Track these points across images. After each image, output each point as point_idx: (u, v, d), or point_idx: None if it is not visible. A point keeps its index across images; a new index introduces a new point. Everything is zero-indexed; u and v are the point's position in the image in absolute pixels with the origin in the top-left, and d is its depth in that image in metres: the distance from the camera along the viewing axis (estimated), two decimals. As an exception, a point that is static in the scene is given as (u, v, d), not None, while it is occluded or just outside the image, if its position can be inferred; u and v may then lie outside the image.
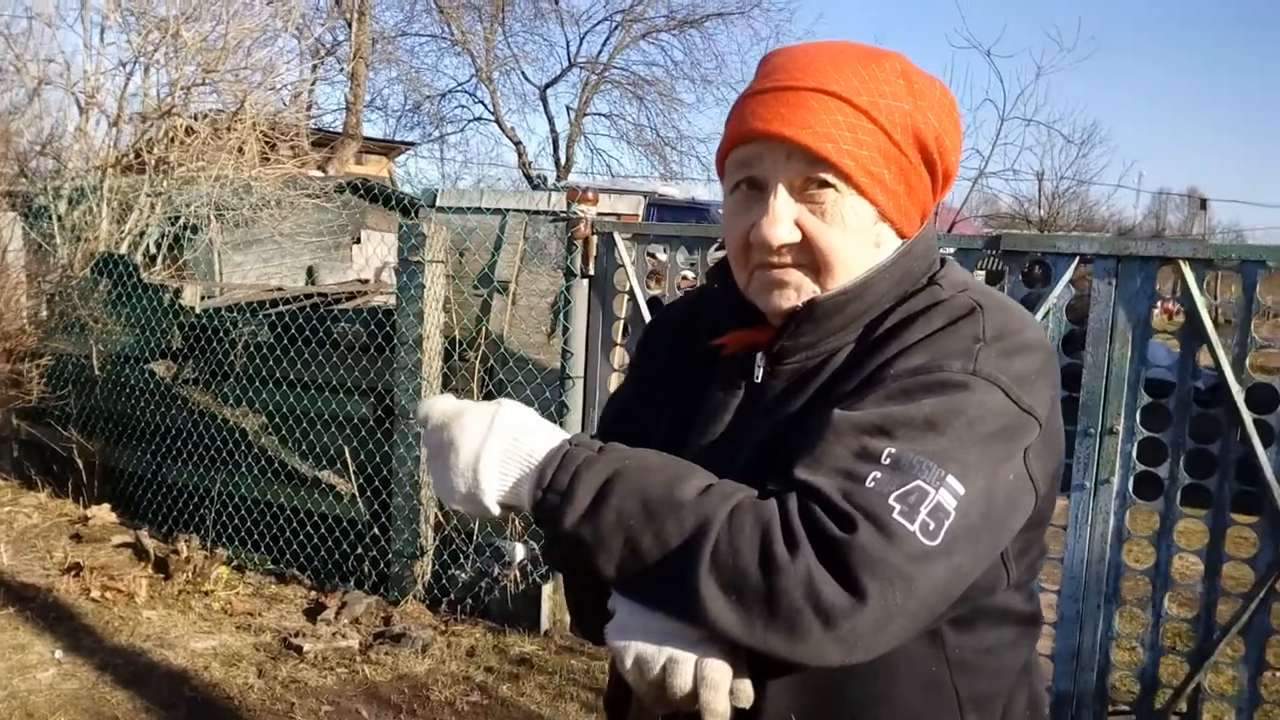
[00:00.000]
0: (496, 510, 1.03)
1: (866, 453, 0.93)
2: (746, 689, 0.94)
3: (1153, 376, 3.39)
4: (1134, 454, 3.33)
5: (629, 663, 0.95)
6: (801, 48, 1.11)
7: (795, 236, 1.05)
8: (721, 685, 0.92)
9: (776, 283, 1.08)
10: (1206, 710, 3.37)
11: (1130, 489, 3.34)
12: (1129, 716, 3.43)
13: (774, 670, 0.94)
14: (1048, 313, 3.42)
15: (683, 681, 0.92)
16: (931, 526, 0.89)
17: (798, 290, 1.08)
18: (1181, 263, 3.26)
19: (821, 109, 1.03)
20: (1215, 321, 3.28)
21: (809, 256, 1.07)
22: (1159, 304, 3.57)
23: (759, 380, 1.12)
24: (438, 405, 1.08)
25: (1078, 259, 3.40)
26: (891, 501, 0.89)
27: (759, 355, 1.12)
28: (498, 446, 1.02)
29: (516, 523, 4.36)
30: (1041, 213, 20.55)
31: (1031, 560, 1.11)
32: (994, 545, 0.98)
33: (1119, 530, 3.34)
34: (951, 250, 3.66)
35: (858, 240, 1.06)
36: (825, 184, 1.04)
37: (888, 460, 0.92)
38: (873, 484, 0.91)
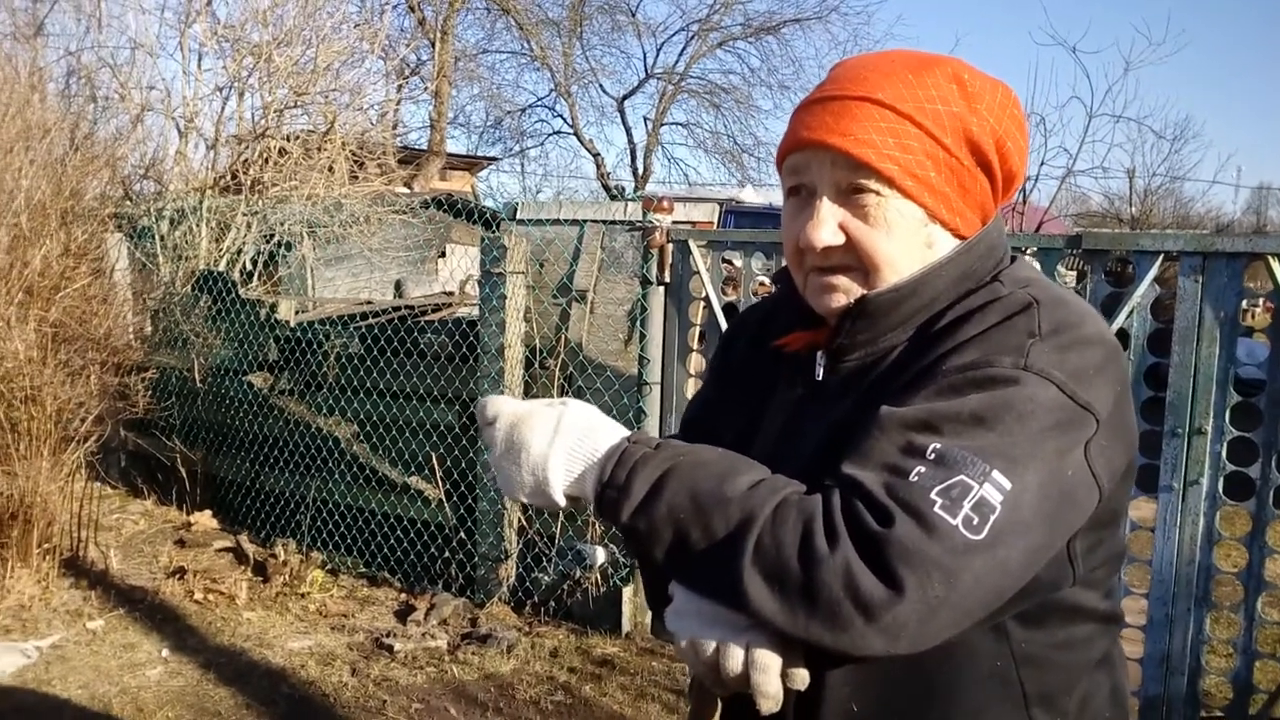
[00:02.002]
0: (563, 502, 1.09)
1: (912, 448, 0.94)
2: (802, 674, 0.97)
3: (1243, 375, 3.31)
4: (1224, 454, 3.25)
5: (684, 645, 1.00)
6: (859, 59, 1.14)
7: (839, 239, 1.08)
8: (771, 669, 0.95)
9: (827, 286, 1.11)
10: (1305, 717, 3.27)
11: (1220, 490, 3.26)
12: (1222, 722, 3.35)
13: (830, 660, 0.96)
14: (1133, 311, 3.36)
15: (734, 664, 0.96)
16: (975, 521, 0.90)
17: (847, 293, 1.11)
18: (1270, 259, 3.18)
19: (864, 116, 1.06)
20: (1309, 318, 3.19)
21: (855, 259, 1.09)
22: (1260, 302, 3.49)
23: (820, 378, 1.16)
24: (505, 406, 1.14)
25: (1163, 256, 3.34)
26: (934, 496, 0.90)
27: (819, 354, 1.16)
28: (564, 446, 1.08)
29: (596, 527, 4.44)
30: (1133, 210, 19.95)
31: (1103, 559, 1.09)
32: (1050, 541, 0.97)
33: (1209, 532, 3.27)
34: (1031, 250, 3.62)
35: (905, 242, 1.08)
36: (867, 188, 1.07)
37: (932, 455, 0.93)
38: (916, 479, 0.92)
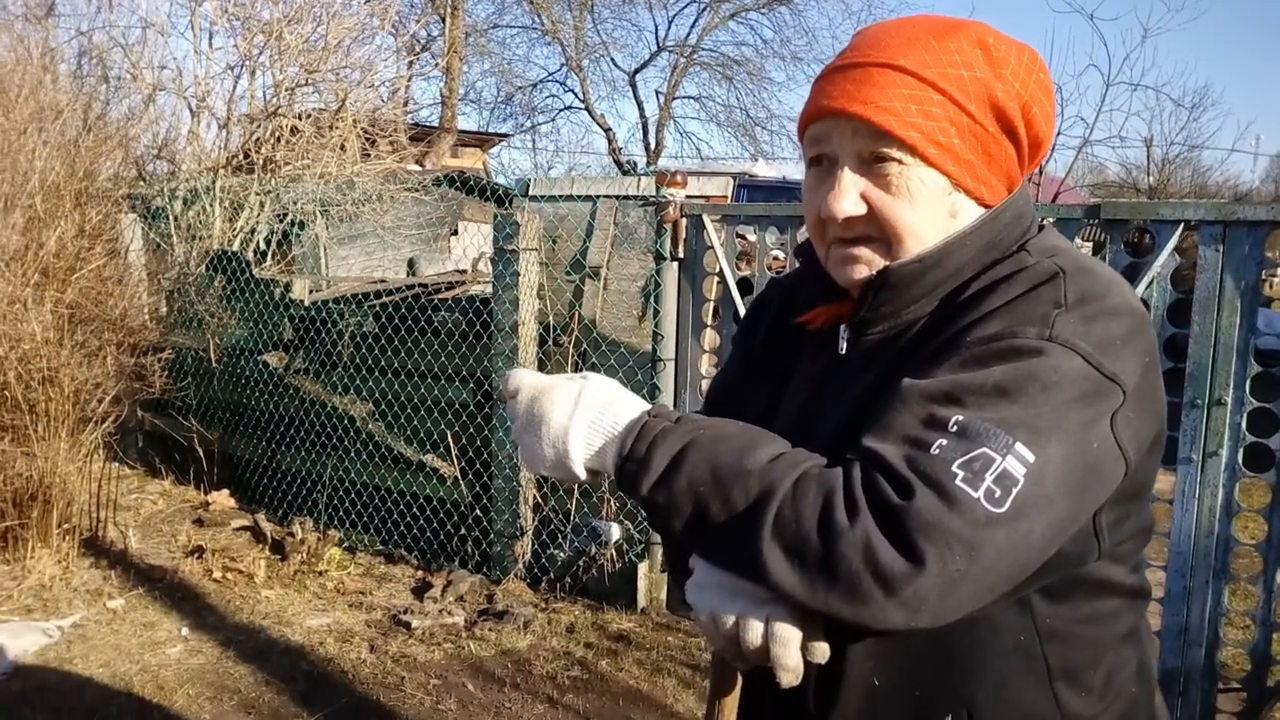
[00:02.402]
0: (584, 475, 1.08)
1: (934, 420, 0.93)
2: (822, 647, 0.96)
3: (1263, 345, 3.27)
4: (1243, 425, 3.22)
5: (704, 618, 0.99)
6: (882, 25, 1.12)
7: (860, 209, 1.07)
8: (791, 642, 0.95)
9: (850, 257, 1.10)
10: (1326, 689, 3.25)
11: (1240, 461, 3.23)
12: (1240, 693, 3.33)
13: (851, 634, 0.95)
14: (1152, 281, 3.32)
15: (754, 637, 0.95)
16: (998, 494, 0.88)
17: (869, 264, 1.09)
18: (1292, 227, 3.14)
19: (886, 84, 1.04)
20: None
21: (878, 229, 1.08)
22: (1279, 272, 3.44)
23: (843, 351, 1.14)
24: (527, 379, 1.13)
25: (1182, 226, 3.30)
26: (955, 469, 0.89)
27: (842, 327, 1.15)
28: (585, 420, 1.07)
29: (612, 503, 4.44)
30: (1151, 180, 19.75)
31: (1130, 533, 1.08)
32: (1075, 514, 0.95)
33: (1228, 504, 3.24)
34: (1050, 220, 3.58)
35: (928, 211, 1.06)
36: (889, 157, 1.05)
37: (954, 428, 0.92)
38: (937, 451, 0.91)
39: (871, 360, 1.11)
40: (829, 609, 0.90)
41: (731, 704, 1.11)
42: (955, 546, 0.87)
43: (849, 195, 1.06)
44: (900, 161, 1.05)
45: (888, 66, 1.05)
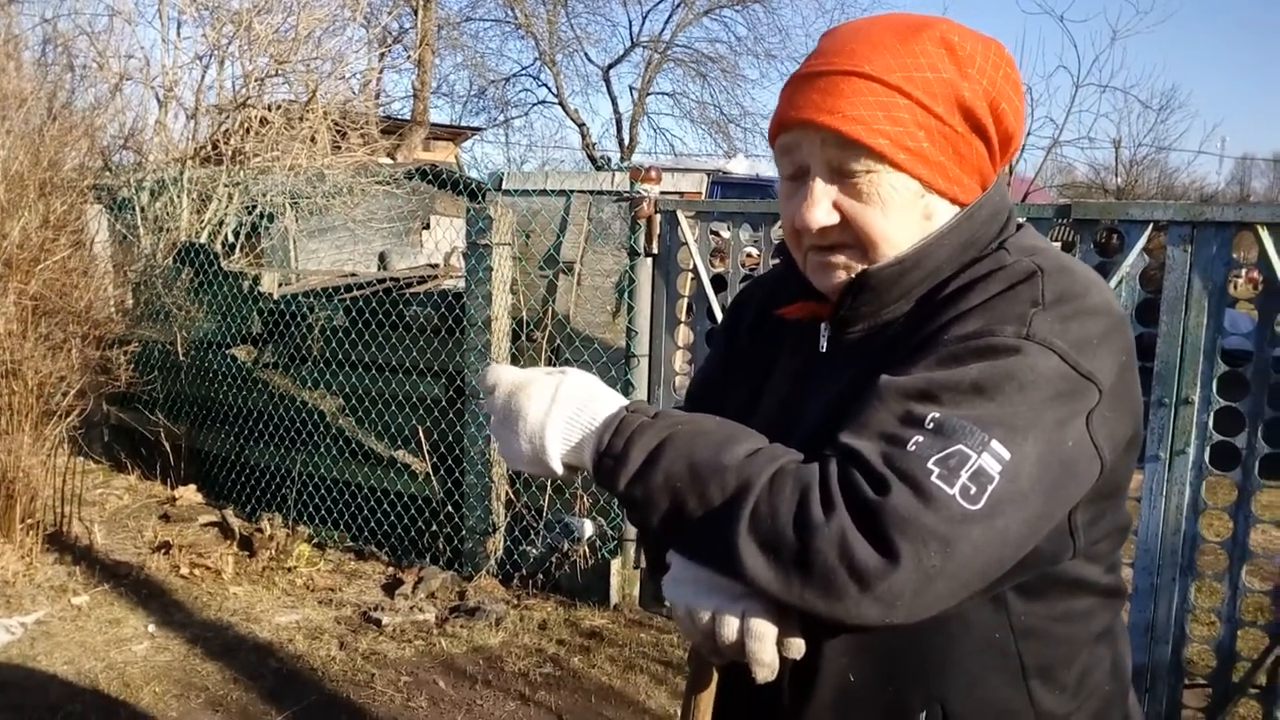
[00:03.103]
0: (561, 470, 1.09)
1: (910, 417, 0.94)
2: (798, 643, 0.96)
3: (1230, 345, 3.31)
4: (1210, 424, 3.26)
5: (681, 612, 1.00)
6: (847, 27, 1.12)
7: (833, 219, 1.07)
8: (766, 637, 0.95)
9: (827, 265, 1.11)
10: (1288, 684, 3.30)
11: (1207, 460, 3.27)
12: (1206, 689, 3.38)
13: (827, 629, 0.95)
14: (1121, 281, 3.36)
15: (729, 632, 0.96)
16: (973, 490, 0.89)
17: (847, 270, 1.10)
18: (1260, 228, 3.17)
19: (853, 92, 1.04)
20: (1296, 287, 3.19)
21: (852, 236, 1.08)
22: (1243, 272, 3.49)
23: (824, 349, 1.15)
24: (505, 374, 1.13)
25: (1151, 226, 3.33)
26: (931, 465, 0.89)
27: (823, 325, 1.15)
28: (562, 415, 1.07)
29: (585, 500, 4.43)
30: (1119, 181, 19.96)
31: (1106, 531, 1.09)
32: (1050, 512, 0.96)
33: (1195, 502, 3.28)
34: (1021, 220, 3.60)
35: (902, 216, 1.07)
36: (859, 165, 1.05)
37: (930, 425, 0.92)
38: (914, 448, 0.91)
39: (851, 358, 1.11)
40: (804, 604, 0.90)
41: (708, 699, 1.11)
42: (930, 543, 0.87)
43: (821, 205, 1.07)
44: (870, 169, 1.05)
45: (853, 74, 1.05)
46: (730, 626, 0.96)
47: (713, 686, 1.11)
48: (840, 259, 1.10)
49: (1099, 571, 1.10)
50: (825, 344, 1.15)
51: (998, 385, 0.94)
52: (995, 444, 0.91)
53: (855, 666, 1.07)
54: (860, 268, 1.09)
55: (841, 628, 0.92)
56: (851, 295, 1.10)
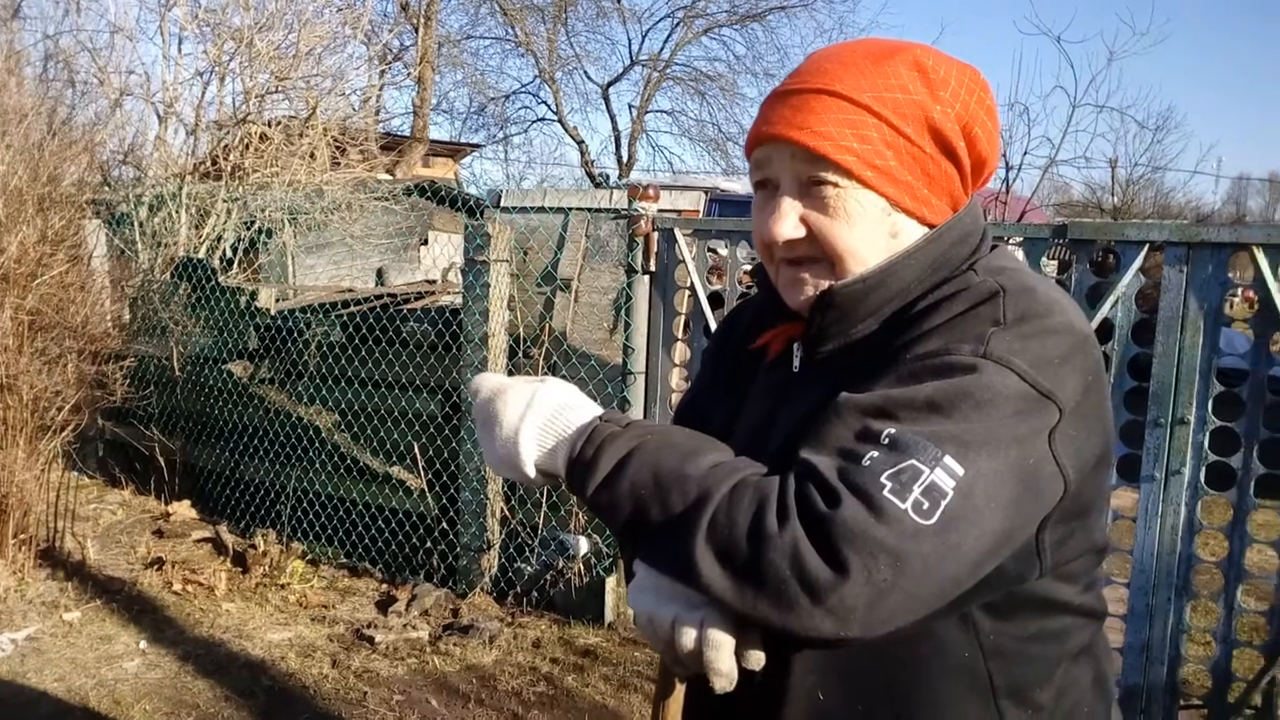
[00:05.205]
0: (534, 475, 1.11)
1: (867, 433, 0.95)
2: (757, 655, 0.97)
3: (1226, 365, 3.31)
4: (1206, 444, 3.25)
5: (642, 620, 1.01)
6: (826, 51, 1.15)
7: (800, 232, 1.10)
8: (723, 646, 0.96)
9: (796, 279, 1.13)
10: (1285, 706, 3.29)
11: (1202, 479, 3.27)
12: (1201, 710, 3.36)
13: (792, 644, 0.95)
14: (1116, 301, 3.36)
15: (687, 641, 0.97)
16: (925, 505, 0.89)
17: (814, 285, 1.12)
18: (1255, 249, 3.18)
19: (822, 109, 1.07)
20: (1291, 308, 3.19)
21: (819, 250, 1.10)
22: (1239, 292, 3.49)
23: (796, 368, 1.17)
24: (487, 381, 1.17)
25: (1147, 246, 3.34)
26: (884, 479, 0.90)
27: (795, 345, 1.18)
28: (536, 421, 1.10)
29: (580, 517, 4.42)
30: (1115, 200, 20.01)
31: (1077, 551, 1.08)
32: (1009, 530, 0.95)
33: (1190, 522, 3.28)
34: (1017, 240, 3.62)
35: (868, 232, 1.09)
36: (826, 180, 1.07)
37: (885, 440, 0.93)
38: (868, 463, 0.92)
39: (821, 377, 1.12)
40: (758, 614, 0.91)
41: (675, 707, 1.13)
42: (880, 556, 0.87)
43: (789, 218, 1.10)
44: (837, 185, 1.07)
45: (824, 92, 1.07)
46: (688, 635, 0.97)
47: (679, 694, 1.12)
48: (809, 273, 1.12)
49: (1074, 591, 1.10)
50: (798, 363, 1.17)
51: (953, 403, 0.94)
52: (948, 459, 0.91)
53: (824, 685, 1.07)
54: (827, 283, 1.11)
55: (798, 640, 0.92)
56: (820, 313, 1.12)
